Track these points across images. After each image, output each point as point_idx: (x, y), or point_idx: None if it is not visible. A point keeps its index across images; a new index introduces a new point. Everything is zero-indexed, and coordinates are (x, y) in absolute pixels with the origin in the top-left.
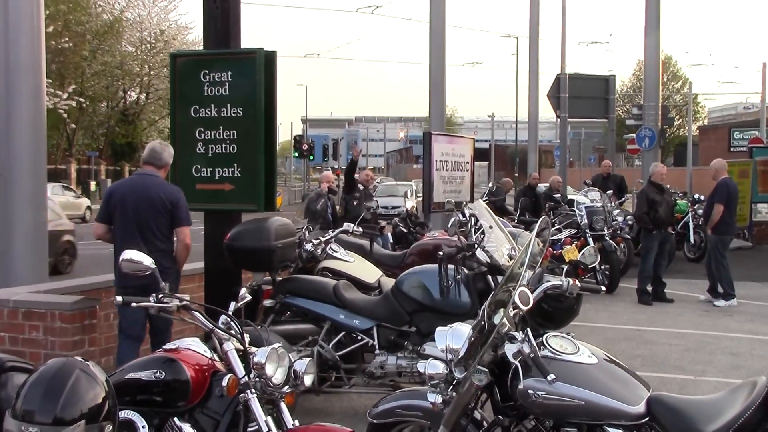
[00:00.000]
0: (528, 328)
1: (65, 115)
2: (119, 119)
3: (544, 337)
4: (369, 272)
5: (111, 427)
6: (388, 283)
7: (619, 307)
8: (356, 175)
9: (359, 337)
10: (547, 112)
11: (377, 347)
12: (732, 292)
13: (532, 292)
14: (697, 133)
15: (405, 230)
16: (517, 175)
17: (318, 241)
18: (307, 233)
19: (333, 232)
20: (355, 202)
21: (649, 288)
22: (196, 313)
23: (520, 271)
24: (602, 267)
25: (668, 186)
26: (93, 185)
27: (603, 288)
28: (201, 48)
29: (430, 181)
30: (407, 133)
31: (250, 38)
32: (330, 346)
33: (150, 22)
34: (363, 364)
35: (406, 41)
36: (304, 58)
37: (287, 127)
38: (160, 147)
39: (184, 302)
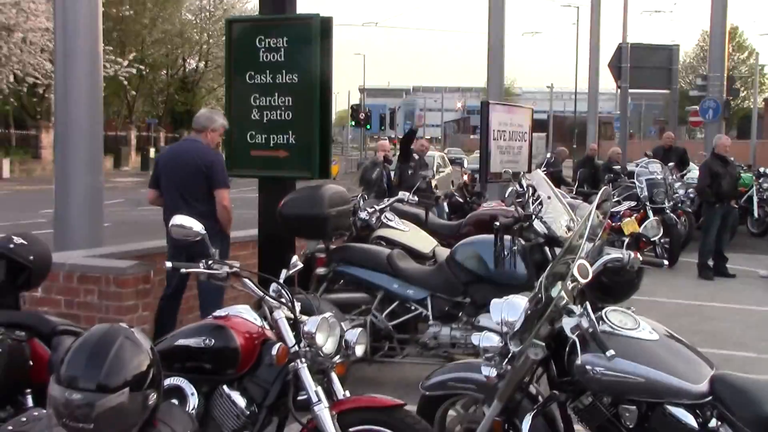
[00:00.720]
0: (587, 302)
1: (126, 83)
2: (178, 87)
3: (604, 311)
4: (424, 242)
5: (155, 395)
6: (443, 253)
7: (679, 281)
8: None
9: (413, 307)
10: (607, 83)
11: (431, 318)
12: None
13: (591, 265)
14: (762, 105)
15: (461, 200)
16: (575, 146)
17: (373, 209)
18: (362, 201)
19: (388, 200)
20: (410, 172)
21: (711, 263)
22: (247, 281)
23: (579, 243)
24: (662, 240)
25: (732, 158)
26: (152, 152)
27: (666, 262)
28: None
29: (487, 150)
30: (465, 104)
31: (307, 4)
32: (383, 315)
33: None
34: (416, 335)
35: (465, 10)
36: (362, 27)
37: (344, 96)
38: (201, 112)
39: (234, 269)
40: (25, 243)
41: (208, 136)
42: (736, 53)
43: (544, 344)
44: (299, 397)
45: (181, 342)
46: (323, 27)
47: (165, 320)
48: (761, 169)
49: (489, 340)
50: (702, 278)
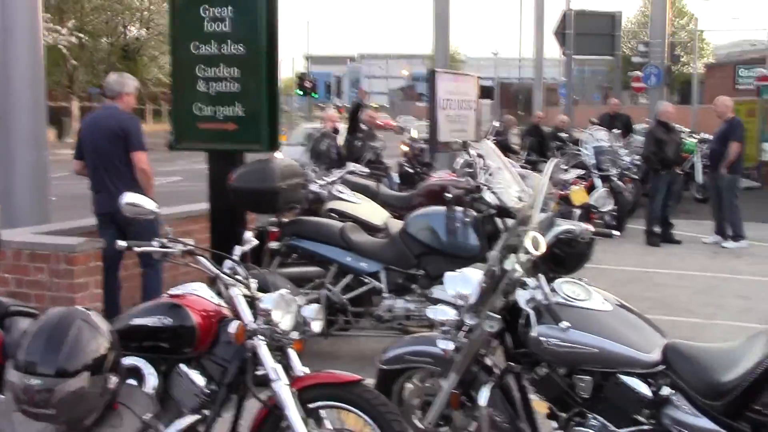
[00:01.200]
0: (541, 275)
1: (66, 52)
2: (120, 55)
3: (557, 282)
4: (376, 214)
5: (116, 378)
6: (396, 225)
7: (627, 248)
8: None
9: (367, 280)
10: (551, 49)
11: (385, 290)
12: (742, 234)
13: (543, 237)
14: (703, 71)
15: (411, 170)
16: (522, 113)
17: (324, 182)
18: (313, 174)
19: (339, 172)
20: (359, 143)
21: (657, 229)
22: (201, 258)
23: (530, 213)
24: (610, 208)
25: (675, 125)
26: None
27: (616, 232)
28: None
29: (435, 120)
30: (411, 71)
31: None
32: (337, 289)
33: None
34: (371, 308)
35: None
36: None
37: (289, 63)
38: (112, 78)
39: (189, 247)
40: None
41: (123, 101)
42: (676, 18)
43: (499, 317)
44: (258, 373)
45: (137, 321)
46: None
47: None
48: (704, 135)
49: (444, 313)
50: (649, 245)
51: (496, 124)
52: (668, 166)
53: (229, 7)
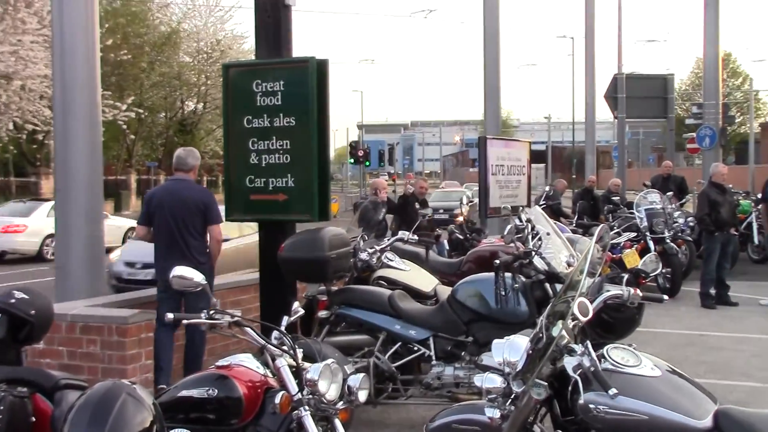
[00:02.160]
0: (588, 340)
1: (125, 127)
2: (177, 129)
3: (605, 348)
4: (425, 281)
5: None
6: (445, 291)
7: (681, 311)
8: (410, 187)
9: (416, 348)
10: (604, 112)
11: (434, 357)
12: None
13: (591, 302)
14: (759, 130)
15: (461, 237)
16: (575, 176)
17: (373, 250)
18: (362, 242)
19: (388, 240)
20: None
21: (713, 291)
22: (248, 329)
23: (579, 279)
24: (663, 270)
25: (730, 186)
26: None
27: (665, 297)
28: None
29: (486, 186)
30: (463, 137)
31: (302, 46)
32: (386, 357)
33: (206, 33)
34: (420, 375)
35: (461, 44)
36: (359, 64)
37: (343, 132)
38: (185, 153)
39: (236, 318)
40: (27, 297)
41: (194, 174)
42: (730, 79)
43: (546, 384)
44: None
45: (185, 393)
46: (319, 69)
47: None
48: (760, 195)
49: (492, 381)
50: (704, 307)
51: (547, 188)
52: (722, 227)
53: (281, 82)
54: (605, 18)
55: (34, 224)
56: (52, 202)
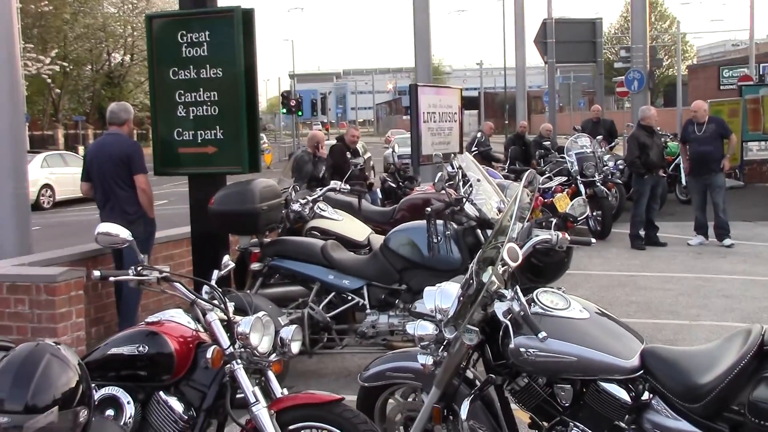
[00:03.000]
0: (517, 285)
1: (49, 80)
2: (104, 82)
3: (535, 293)
4: (358, 230)
5: (86, 412)
6: (378, 240)
7: (612, 253)
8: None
9: (349, 297)
10: (535, 57)
11: (368, 306)
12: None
13: (521, 247)
14: (686, 73)
15: (394, 185)
16: (507, 122)
17: (305, 200)
18: (293, 193)
19: (320, 190)
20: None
21: (642, 233)
22: (178, 285)
23: (508, 224)
24: (594, 213)
25: (658, 128)
26: (81, 150)
27: (593, 240)
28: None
29: (418, 133)
30: (396, 85)
31: None
32: (320, 307)
33: None
34: (354, 324)
35: None
36: (288, 13)
37: (275, 82)
38: (117, 107)
39: (164, 273)
40: None
41: (126, 127)
42: (658, 22)
43: (477, 329)
44: (237, 397)
45: (114, 350)
46: (245, 19)
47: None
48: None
49: (424, 328)
50: (634, 248)
51: (478, 134)
52: (651, 170)
53: (206, 32)
54: None
55: (31, 175)
56: (45, 153)
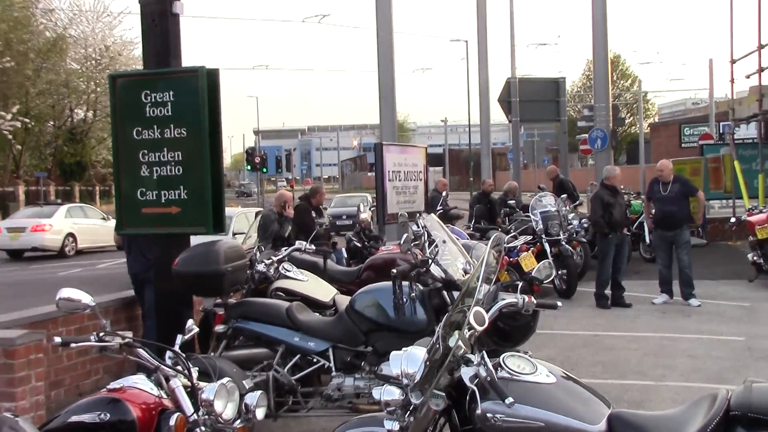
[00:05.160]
0: (484, 350)
1: (10, 137)
2: (67, 138)
3: (501, 357)
4: (323, 291)
5: None
6: (344, 301)
7: (577, 312)
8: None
9: (315, 360)
10: (500, 114)
11: (334, 369)
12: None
13: (487, 312)
14: (648, 131)
15: (359, 244)
16: (472, 179)
17: (270, 261)
18: (258, 253)
19: (286, 250)
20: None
21: (608, 292)
22: (141, 350)
23: (475, 286)
24: (560, 272)
25: (621, 187)
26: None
27: (559, 303)
28: (141, 67)
29: (383, 192)
30: (361, 141)
31: (192, 54)
32: (285, 369)
33: (94, 38)
34: (320, 387)
35: (356, 49)
36: (253, 70)
37: (239, 139)
38: None
39: (127, 339)
40: None
41: None
42: (620, 81)
43: (444, 394)
44: None
45: (74, 419)
46: (210, 78)
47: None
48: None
49: (390, 393)
50: (600, 308)
51: (444, 195)
52: (615, 229)
53: (171, 92)
54: (498, 22)
55: (57, 224)
56: (69, 205)
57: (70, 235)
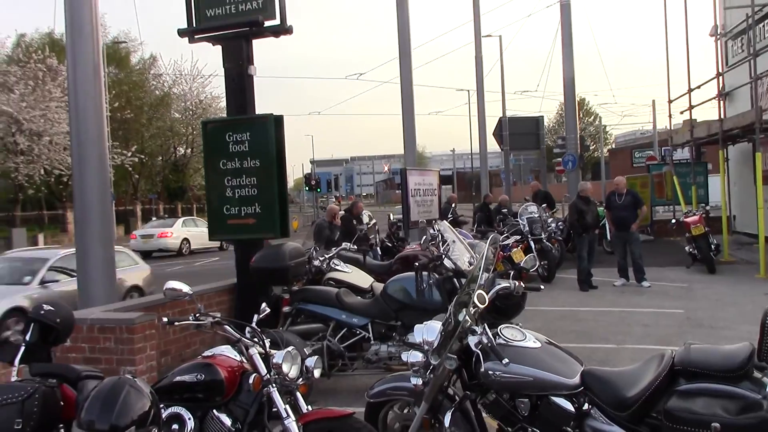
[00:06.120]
0: (485, 323)
1: (130, 169)
2: (172, 169)
3: (499, 328)
4: (363, 280)
5: (156, 430)
6: (379, 287)
7: (555, 293)
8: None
9: (358, 332)
10: (494, 144)
11: (372, 339)
12: (645, 276)
13: (487, 293)
14: (607, 155)
15: (390, 244)
16: (474, 194)
17: (324, 258)
18: (314, 252)
19: (335, 250)
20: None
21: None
22: (227, 327)
23: (478, 274)
24: (542, 263)
25: (592, 198)
26: (153, 220)
27: (542, 286)
28: (225, 115)
29: (407, 205)
30: (390, 167)
31: (264, 102)
32: (336, 339)
33: (191, 95)
34: (362, 353)
35: (385, 98)
36: (308, 115)
37: (299, 167)
38: None
39: (216, 319)
40: (53, 309)
41: None
42: (585, 117)
43: (456, 357)
44: (272, 412)
45: (178, 378)
46: (276, 122)
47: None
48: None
49: (415, 356)
50: (583, 291)
51: (453, 206)
52: (587, 230)
53: (247, 133)
54: (492, 75)
55: (176, 231)
56: (184, 218)
57: (186, 239)
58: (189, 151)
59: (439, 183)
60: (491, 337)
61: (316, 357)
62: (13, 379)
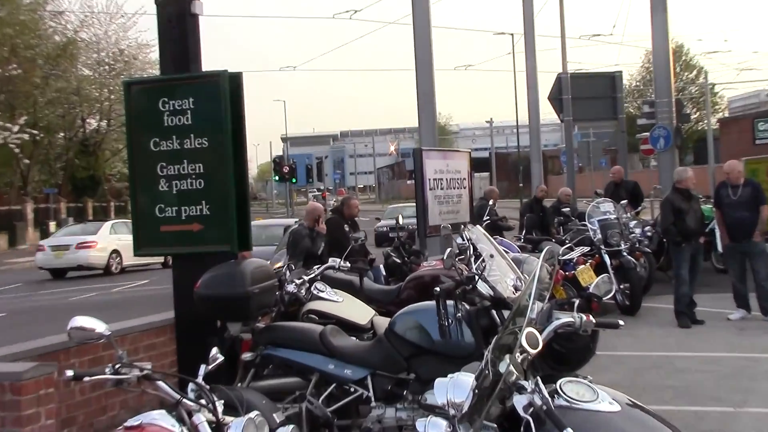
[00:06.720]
0: (538, 375)
1: (17, 150)
2: (79, 151)
3: (558, 383)
4: (360, 312)
5: None
6: (382, 323)
7: (643, 330)
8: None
9: (352, 389)
10: (550, 113)
11: (373, 399)
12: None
13: (540, 332)
14: (717, 127)
15: (398, 260)
16: (521, 185)
17: (301, 280)
18: (288, 272)
19: (318, 269)
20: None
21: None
22: (161, 383)
23: (527, 304)
24: (621, 286)
25: (695, 192)
26: (52, 226)
27: (621, 322)
28: (158, 72)
29: (423, 202)
30: (398, 146)
31: (213, 57)
32: (320, 400)
33: (107, 42)
34: (358, 419)
35: (391, 47)
36: (279, 72)
37: (266, 147)
38: None
39: (145, 371)
40: None
41: None
42: (683, 73)
43: (496, 426)
44: None
45: None
46: (232, 83)
47: None
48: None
49: (436, 425)
50: (681, 327)
51: (490, 203)
52: (689, 238)
53: (190, 99)
54: (546, 12)
55: (102, 240)
56: (112, 221)
57: (115, 251)
58: (104, 124)
59: (471, 170)
60: (547, 396)
61: (292, 426)
62: None
